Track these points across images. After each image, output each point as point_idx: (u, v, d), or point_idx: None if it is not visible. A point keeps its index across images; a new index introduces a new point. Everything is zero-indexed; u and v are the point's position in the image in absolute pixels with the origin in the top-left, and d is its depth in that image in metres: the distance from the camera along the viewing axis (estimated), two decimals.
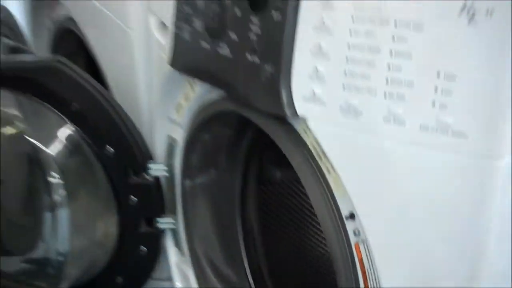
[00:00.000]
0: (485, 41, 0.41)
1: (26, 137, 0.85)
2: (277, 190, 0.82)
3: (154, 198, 0.84)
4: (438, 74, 0.43)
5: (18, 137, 0.87)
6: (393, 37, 0.45)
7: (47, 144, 0.85)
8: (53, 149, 0.85)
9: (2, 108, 0.87)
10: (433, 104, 0.43)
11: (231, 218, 0.83)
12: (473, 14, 0.41)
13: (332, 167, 0.52)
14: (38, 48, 1.24)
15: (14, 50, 1.08)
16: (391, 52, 0.45)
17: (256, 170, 0.83)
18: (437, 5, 0.42)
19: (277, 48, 0.52)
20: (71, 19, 1.06)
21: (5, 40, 1.07)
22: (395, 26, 0.44)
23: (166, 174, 0.83)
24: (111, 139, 0.80)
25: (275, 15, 0.52)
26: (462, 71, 0.42)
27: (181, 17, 0.66)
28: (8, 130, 0.89)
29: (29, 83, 0.80)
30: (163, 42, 0.73)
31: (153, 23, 0.77)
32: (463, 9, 0.41)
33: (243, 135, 0.78)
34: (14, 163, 0.90)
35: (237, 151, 0.80)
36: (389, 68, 0.45)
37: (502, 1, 0.40)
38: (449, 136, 0.43)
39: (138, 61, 0.83)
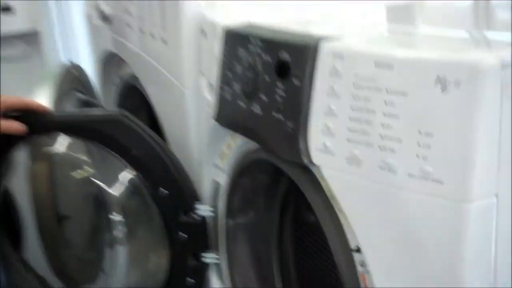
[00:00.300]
0: (455, 106, 0.51)
1: (93, 179, 0.99)
2: (310, 229, 0.92)
3: (201, 235, 0.95)
4: (420, 132, 0.53)
5: (87, 180, 1.01)
6: (385, 102, 0.55)
7: (111, 186, 0.98)
8: (116, 190, 0.98)
9: (73, 154, 1.02)
10: (417, 156, 0.53)
11: (268, 254, 0.93)
12: (445, 84, 0.51)
13: (341, 207, 0.62)
14: (107, 102, 1.40)
15: (86, 104, 1.24)
16: (384, 113, 0.55)
17: (291, 211, 0.93)
18: (418, 76, 0.53)
19: (297, 108, 0.64)
20: (135, 77, 1.21)
21: (79, 95, 1.23)
22: (387, 92, 0.55)
23: (211, 214, 0.94)
24: (165, 182, 0.92)
25: (296, 81, 0.64)
26: (438, 130, 0.52)
27: (224, 81, 0.79)
28: (78, 174, 1.04)
29: (97, 132, 0.94)
30: (210, 100, 0.86)
31: (203, 83, 0.90)
32: (437, 80, 0.51)
33: (278, 180, 0.88)
34: (82, 202, 1.04)
35: (274, 195, 0.91)
36: (382, 126, 0.56)
37: (468, 73, 0.50)
38: (430, 182, 0.52)
39: (190, 115, 0.96)
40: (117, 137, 0.93)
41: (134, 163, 0.93)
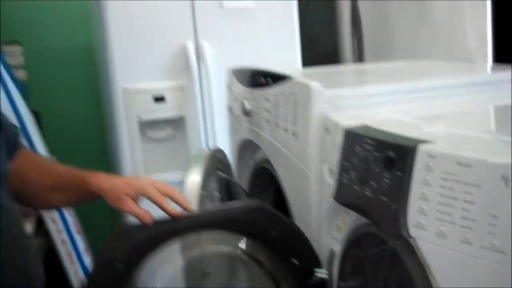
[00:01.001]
0: None
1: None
2: None
3: None
4: (489, 214, 0.72)
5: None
6: (464, 192, 0.75)
7: None
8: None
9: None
10: (488, 232, 0.72)
11: None
12: (508, 181, 0.70)
13: (432, 272, 0.81)
14: (241, 180, 1.67)
15: (225, 181, 1.51)
16: (464, 200, 0.75)
17: (395, 276, 1.11)
18: (488, 174, 0.72)
19: (399, 193, 0.85)
20: (267, 161, 1.47)
21: (220, 173, 1.51)
22: (466, 185, 0.75)
23: (327, 277, 1.15)
24: (295, 253, 1.15)
25: (398, 173, 0.85)
26: (502, 214, 0.70)
27: (342, 169, 1.02)
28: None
29: (238, 222, 1.14)
30: (331, 183, 1.08)
31: (325, 170, 1.13)
32: (502, 177, 0.71)
33: (384, 251, 1.08)
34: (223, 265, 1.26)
35: (380, 264, 1.10)
36: (462, 209, 0.75)
37: None
38: (496, 253, 0.71)
39: (313, 194, 1.18)
40: (257, 222, 1.13)
41: (273, 242, 1.14)
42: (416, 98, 1.20)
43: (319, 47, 2.72)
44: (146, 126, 2.20)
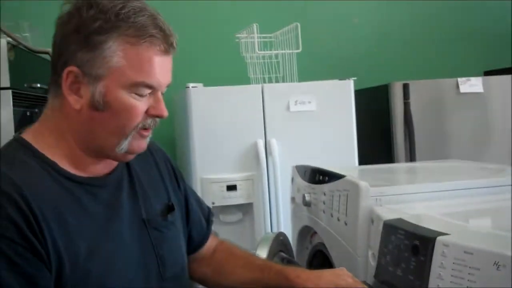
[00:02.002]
0: (504, 279, 0.93)
1: None
2: None
3: None
4: None
5: None
6: (468, 273, 0.99)
7: None
8: None
9: None
10: None
11: None
12: (498, 266, 0.94)
13: None
14: (300, 260, 1.93)
15: (286, 260, 1.77)
16: (468, 280, 0.99)
17: None
18: (485, 260, 0.97)
19: (422, 273, 1.10)
20: (323, 245, 1.73)
21: (282, 254, 1.77)
22: (469, 268, 0.99)
23: None
24: None
25: (422, 258, 1.10)
26: None
27: (381, 253, 1.27)
28: None
29: None
30: (373, 264, 1.33)
31: (370, 254, 1.38)
32: (495, 263, 0.95)
33: None
34: None
35: None
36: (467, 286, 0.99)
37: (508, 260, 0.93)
38: None
39: (360, 275, 1.43)
40: None
41: None
42: (447, 196, 1.46)
43: (375, 146, 3.01)
44: (219, 211, 2.53)
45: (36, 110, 1.94)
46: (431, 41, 3.59)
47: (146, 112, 1.13)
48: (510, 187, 1.50)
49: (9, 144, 1.13)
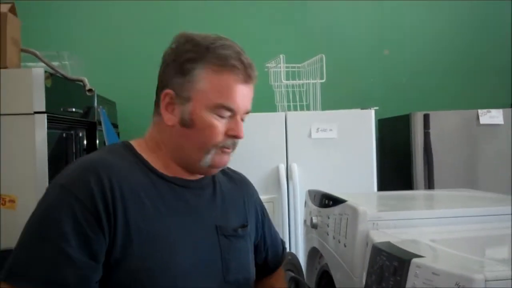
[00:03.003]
0: None
1: None
2: None
3: None
4: None
5: None
6: None
7: None
8: None
9: None
10: None
11: None
12: (459, 286, 1.03)
13: None
14: (309, 280, 2.02)
15: (294, 279, 1.87)
16: None
17: None
18: (449, 281, 1.06)
19: None
20: (328, 265, 1.83)
21: (290, 273, 1.87)
22: None
23: None
24: None
25: (398, 277, 1.20)
26: None
27: (369, 273, 1.37)
28: None
29: None
30: (364, 284, 1.43)
31: (364, 274, 1.47)
32: (456, 284, 1.04)
33: None
34: None
35: None
36: None
37: (470, 283, 1.02)
38: None
39: None
40: None
41: None
42: (443, 223, 1.54)
43: (395, 174, 3.08)
44: None
45: (72, 132, 2.11)
46: (461, 74, 3.64)
47: (226, 133, 1.31)
48: (505, 216, 1.57)
49: (116, 144, 1.39)
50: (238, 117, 1.32)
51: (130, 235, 1.20)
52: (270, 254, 1.62)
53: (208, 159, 1.32)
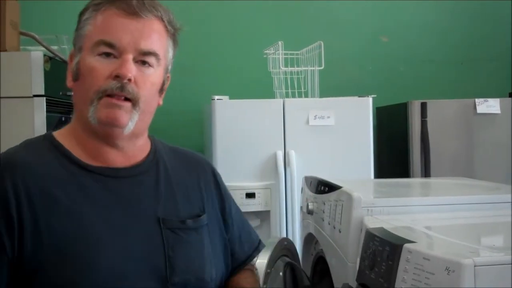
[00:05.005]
0: (452, 282, 1.04)
1: None
2: None
3: None
4: None
5: None
6: (426, 277, 1.10)
7: None
8: None
9: None
10: None
11: None
12: (449, 271, 1.05)
13: None
14: (304, 265, 2.05)
15: (290, 264, 1.88)
16: (426, 283, 1.10)
17: None
18: (439, 265, 1.07)
19: (389, 278, 1.21)
20: (323, 251, 1.85)
21: (285, 258, 1.88)
22: (426, 272, 1.10)
23: None
24: None
25: (390, 262, 1.22)
26: None
27: (362, 258, 1.39)
28: None
29: None
30: (357, 268, 1.45)
31: (358, 260, 1.49)
32: (446, 268, 1.06)
33: None
34: None
35: None
36: (426, 285, 1.10)
37: (457, 267, 1.04)
38: None
39: (350, 280, 1.54)
40: None
41: None
42: (436, 210, 1.56)
43: (392, 162, 3.10)
44: None
45: (70, 116, 2.12)
46: (459, 62, 3.65)
47: (110, 75, 1.13)
48: (500, 204, 1.59)
49: (38, 136, 1.24)
50: (127, 56, 1.13)
51: (41, 239, 1.05)
52: (237, 248, 1.40)
53: (92, 112, 1.12)
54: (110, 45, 1.13)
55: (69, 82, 1.20)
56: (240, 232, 1.42)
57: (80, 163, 1.15)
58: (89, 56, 1.14)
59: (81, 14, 1.19)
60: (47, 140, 1.19)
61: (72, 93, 1.22)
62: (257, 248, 1.46)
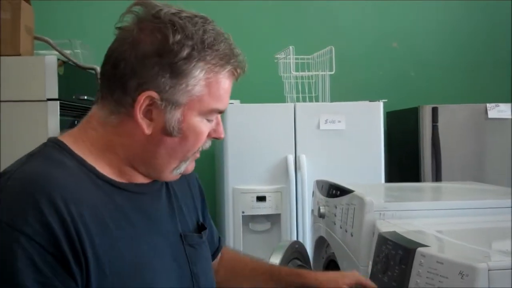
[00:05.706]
0: (466, 284, 1.04)
1: None
2: None
3: None
4: None
5: None
6: (439, 280, 1.11)
7: None
8: None
9: None
10: None
11: None
12: (463, 275, 1.05)
13: None
14: (317, 269, 2.05)
15: (300, 267, 1.89)
16: (439, 287, 1.11)
17: None
18: (452, 270, 1.08)
19: (402, 282, 1.21)
20: (335, 255, 1.86)
21: (296, 261, 1.89)
22: (440, 276, 1.11)
23: None
24: None
25: (403, 266, 1.22)
26: None
27: (374, 262, 1.39)
28: None
29: None
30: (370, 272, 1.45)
31: (370, 263, 1.50)
32: (459, 273, 1.06)
33: None
34: None
35: None
36: None
37: (471, 271, 1.04)
38: None
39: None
40: None
41: None
42: (447, 214, 1.57)
43: (403, 166, 3.10)
44: (248, 219, 2.69)
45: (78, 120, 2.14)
46: (470, 67, 3.64)
47: (208, 135, 1.10)
48: (510, 208, 1.59)
49: (43, 145, 1.06)
50: (219, 116, 1.11)
51: (103, 270, 0.96)
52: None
53: (183, 167, 1.11)
54: (220, 112, 1.10)
55: (149, 129, 1.04)
56: (212, 235, 1.38)
57: (109, 181, 1.05)
58: (198, 119, 1.06)
59: (184, 61, 1.01)
60: (64, 151, 1.03)
61: (147, 138, 1.05)
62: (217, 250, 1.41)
